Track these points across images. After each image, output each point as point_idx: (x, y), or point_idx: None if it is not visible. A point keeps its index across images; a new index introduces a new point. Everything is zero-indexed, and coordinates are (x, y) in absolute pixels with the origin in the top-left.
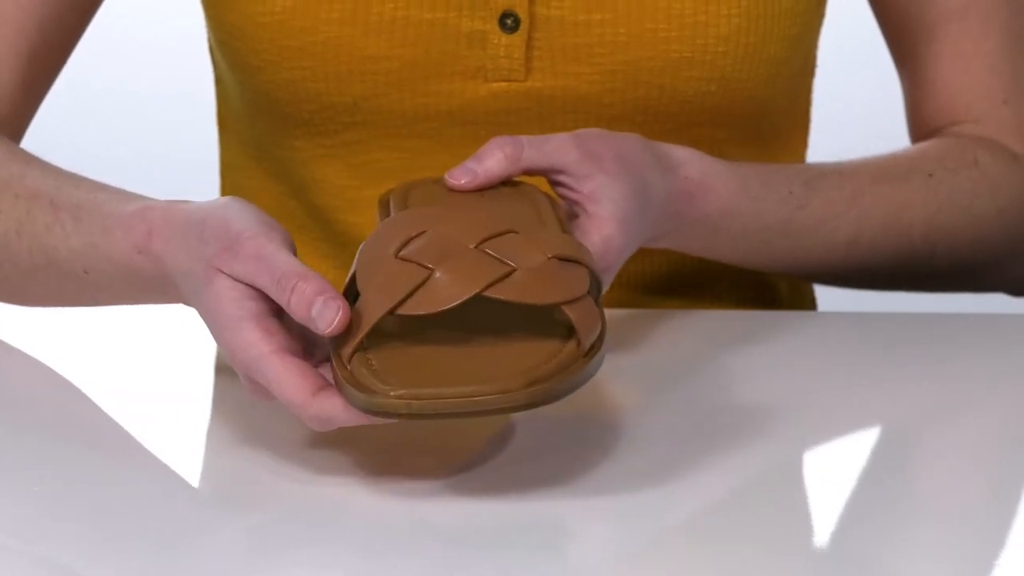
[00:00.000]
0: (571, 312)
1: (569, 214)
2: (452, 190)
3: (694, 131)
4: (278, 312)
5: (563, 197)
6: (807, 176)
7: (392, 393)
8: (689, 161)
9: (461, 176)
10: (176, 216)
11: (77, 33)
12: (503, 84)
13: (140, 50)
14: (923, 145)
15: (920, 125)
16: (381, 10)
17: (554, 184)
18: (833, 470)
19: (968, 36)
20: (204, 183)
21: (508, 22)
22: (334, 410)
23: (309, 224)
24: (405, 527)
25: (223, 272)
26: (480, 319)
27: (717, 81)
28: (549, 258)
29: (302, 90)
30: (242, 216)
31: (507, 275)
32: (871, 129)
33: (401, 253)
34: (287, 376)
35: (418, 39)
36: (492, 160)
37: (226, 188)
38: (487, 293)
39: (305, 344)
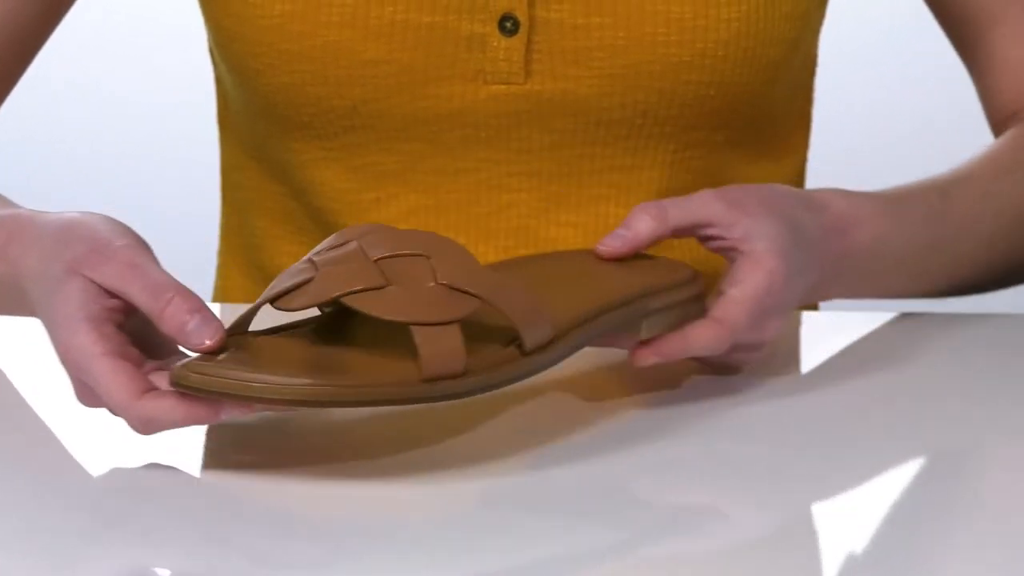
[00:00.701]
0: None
1: (719, 286)
2: (602, 258)
3: (693, 134)
4: (120, 322)
5: (716, 249)
6: (938, 187)
7: (190, 366)
8: (833, 198)
9: (612, 242)
10: (36, 223)
11: (43, 32)
12: (502, 87)
13: (140, 50)
14: (1009, 136)
15: (997, 111)
16: (380, 14)
17: (704, 240)
18: (836, 468)
19: None
20: (204, 183)
21: (507, 25)
22: (157, 411)
23: (309, 226)
24: (400, 524)
25: (83, 275)
26: (398, 333)
27: (716, 85)
28: (438, 284)
29: (301, 94)
30: (111, 227)
31: (375, 288)
32: (872, 129)
33: (313, 256)
34: (115, 378)
35: (417, 43)
36: (641, 224)
37: (226, 188)
38: (344, 301)
39: (140, 355)
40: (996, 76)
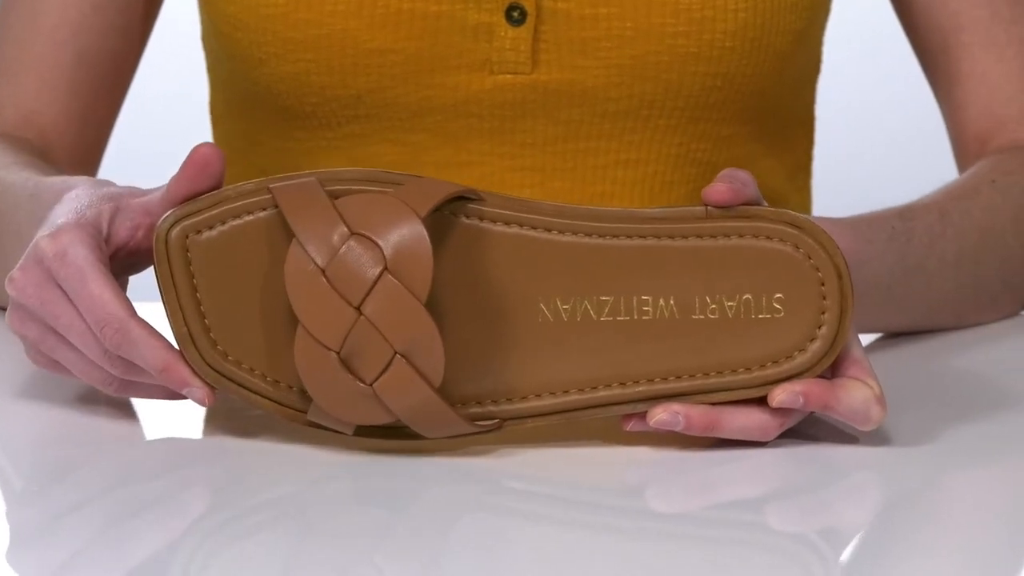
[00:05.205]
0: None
1: None
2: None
3: (699, 127)
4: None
5: None
6: (897, 211)
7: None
8: None
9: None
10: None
11: (133, 54)
12: (508, 77)
13: None
14: (969, 172)
15: (962, 133)
16: (386, 2)
17: None
18: (841, 466)
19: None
20: None
21: (515, 15)
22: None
23: None
24: (401, 520)
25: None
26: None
27: (723, 76)
28: (373, 386)
29: (305, 83)
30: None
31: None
32: (874, 128)
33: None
34: (115, 292)
35: (423, 32)
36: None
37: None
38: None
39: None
40: (963, 92)
